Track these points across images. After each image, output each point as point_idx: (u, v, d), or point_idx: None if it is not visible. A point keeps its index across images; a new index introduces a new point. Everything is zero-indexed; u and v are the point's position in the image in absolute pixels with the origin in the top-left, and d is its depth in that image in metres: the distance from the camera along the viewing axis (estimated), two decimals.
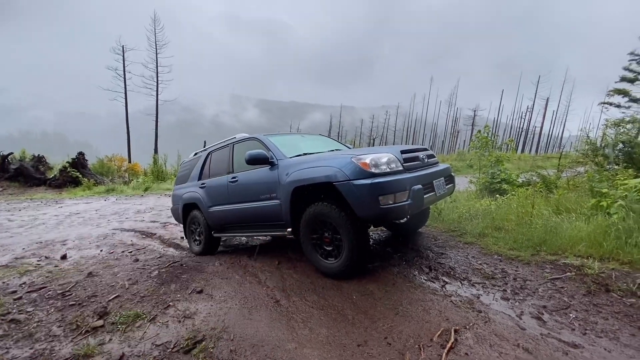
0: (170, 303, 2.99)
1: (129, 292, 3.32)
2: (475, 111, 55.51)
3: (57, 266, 4.39)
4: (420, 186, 2.86)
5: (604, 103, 25.93)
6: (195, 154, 5.48)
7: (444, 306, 2.54)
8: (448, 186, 3.50)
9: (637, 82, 25.48)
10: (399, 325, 2.29)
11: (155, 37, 30.25)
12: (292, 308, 2.70)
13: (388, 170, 2.86)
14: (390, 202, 2.73)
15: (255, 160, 3.55)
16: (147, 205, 10.94)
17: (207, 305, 2.91)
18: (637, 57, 24.35)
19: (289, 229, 3.43)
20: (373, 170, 2.80)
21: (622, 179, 4.44)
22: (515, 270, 3.13)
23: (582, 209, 4.08)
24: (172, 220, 7.65)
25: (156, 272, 3.87)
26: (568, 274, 2.93)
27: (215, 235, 4.65)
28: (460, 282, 2.99)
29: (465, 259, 3.47)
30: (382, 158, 2.90)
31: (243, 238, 5.76)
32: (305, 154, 3.72)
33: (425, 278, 3.07)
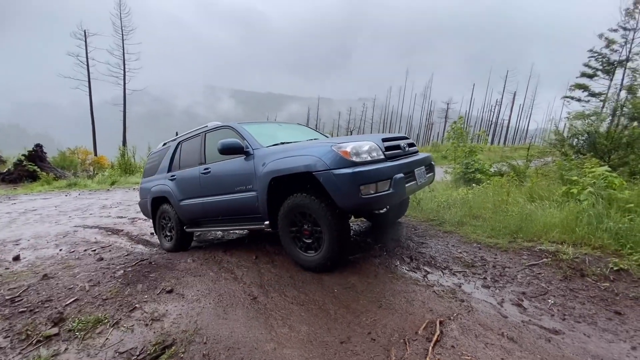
0: (137, 305, 2.75)
1: (90, 294, 3.03)
2: (448, 104, 57.07)
3: (7, 269, 3.98)
4: (402, 175, 2.77)
5: (567, 97, 27.36)
6: (164, 144, 5.13)
7: (427, 297, 2.49)
8: (428, 175, 3.45)
9: (596, 78, 27.06)
10: (383, 318, 2.20)
11: (121, 22, 28.43)
12: (270, 305, 2.55)
13: (369, 159, 2.75)
14: (372, 192, 2.63)
15: (228, 150, 3.32)
16: (114, 199, 10.31)
17: (177, 306, 2.69)
18: (596, 54, 25.78)
19: (267, 222, 3.26)
20: (354, 159, 2.68)
21: (589, 167, 4.61)
22: (494, 258, 3.14)
23: (554, 196, 4.20)
24: (142, 215, 7.22)
25: (121, 271, 3.58)
26: (544, 259, 2.97)
27: (187, 230, 4.39)
28: (442, 272, 2.96)
29: (446, 247, 3.45)
30: (364, 146, 2.77)
31: (218, 232, 5.51)
32: (282, 143, 3.54)
33: (407, 268, 3.02)
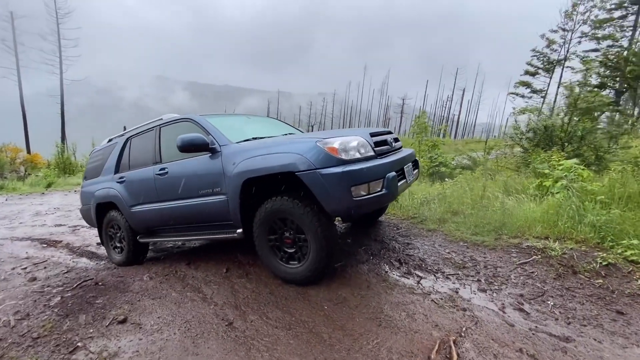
0: (79, 343, 2.19)
1: (16, 332, 2.40)
2: (403, 100, 59.07)
3: None
4: (394, 173, 2.50)
5: (512, 93, 29.43)
6: (110, 140, 4.40)
7: (427, 308, 2.25)
8: (415, 171, 3.24)
9: (538, 75, 29.40)
10: (386, 340, 1.92)
11: (55, 3, 25.17)
12: (250, 332, 2.15)
13: (359, 156, 2.43)
14: (364, 193, 2.32)
15: (190, 147, 2.82)
16: (51, 205, 9.02)
17: (134, 340, 2.19)
18: (538, 54, 27.93)
19: (239, 230, 2.82)
20: (342, 156, 2.35)
21: (557, 159, 4.74)
22: (484, 257, 3.01)
23: (528, 189, 4.23)
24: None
25: (59, 297, 2.93)
26: (534, 257, 2.90)
27: (141, 240, 3.77)
28: (434, 275, 2.76)
29: (433, 247, 3.28)
30: (352, 142, 2.45)
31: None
32: (254, 138, 3.10)
33: (399, 274, 2.78)
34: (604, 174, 4.71)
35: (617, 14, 22.30)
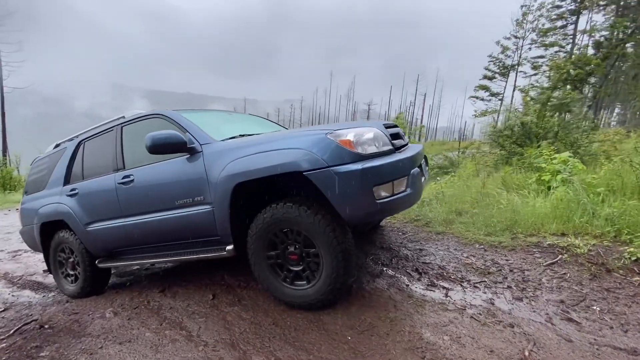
0: None
1: None
2: (369, 105, 60.36)
3: None
4: (418, 169, 2.13)
5: (472, 97, 30.96)
6: (57, 145, 3.65)
7: (470, 328, 1.88)
8: (427, 168, 2.90)
9: (495, 79, 31.17)
10: None
11: None
12: None
13: (376, 150, 2.03)
14: (388, 194, 1.93)
15: (163, 147, 2.28)
16: None
17: None
18: (494, 59, 29.62)
19: (230, 247, 2.30)
20: (359, 150, 1.94)
21: (548, 153, 4.68)
22: (507, 260, 2.73)
23: (529, 185, 4.09)
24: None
25: None
26: (561, 256, 2.66)
27: (101, 266, 3.09)
28: (461, 285, 2.42)
29: (448, 252, 2.95)
30: (368, 134, 2.05)
31: None
32: (241, 135, 2.61)
33: (422, 287, 2.40)
34: (593, 166, 4.73)
35: (559, 23, 24.42)
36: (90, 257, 3.12)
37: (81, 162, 3.21)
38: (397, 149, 2.24)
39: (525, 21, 24.94)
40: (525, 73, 26.96)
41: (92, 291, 3.20)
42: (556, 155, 4.38)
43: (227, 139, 2.45)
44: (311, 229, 1.99)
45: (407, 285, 2.40)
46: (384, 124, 2.34)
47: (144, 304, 2.66)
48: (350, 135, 1.96)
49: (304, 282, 2.15)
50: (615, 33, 18.06)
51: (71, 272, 3.37)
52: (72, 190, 3.15)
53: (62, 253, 3.42)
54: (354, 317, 2.02)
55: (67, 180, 3.29)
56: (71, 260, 3.33)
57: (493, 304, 2.16)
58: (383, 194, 1.90)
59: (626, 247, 2.63)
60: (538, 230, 3.12)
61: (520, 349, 1.68)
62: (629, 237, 2.79)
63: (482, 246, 3.00)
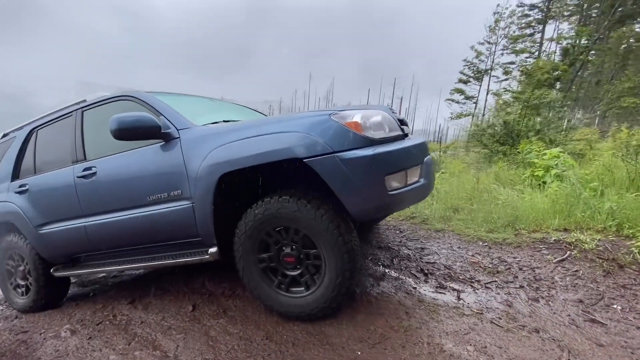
0: None
1: None
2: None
3: None
4: (431, 157, 1.90)
5: (448, 99, 31.79)
6: (5, 135, 3.14)
7: (494, 335, 1.66)
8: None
9: (469, 83, 32.17)
10: None
11: None
12: None
13: (385, 135, 1.78)
14: (400, 185, 1.68)
15: (132, 132, 1.91)
16: None
17: None
18: (468, 64, 30.56)
19: (213, 250, 1.97)
20: (368, 134, 1.68)
21: (537, 149, 4.65)
22: (514, 258, 2.57)
23: (523, 180, 4.00)
24: None
25: None
26: (569, 253, 2.52)
27: (57, 274, 2.63)
28: (471, 286, 2.21)
29: (452, 251, 2.75)
30: (375, 116, 1.79)
31: None
32: (225, 121, 2.28)
33: (431, 289, 2.17)
34: (579, 162, 4.75)
35: (528, 31, 25.70)
36: (44, 264, 2.67)
37: (33, 153, 2.75)
38: (406, 135, 2.00)
39: (497, 28, 25.86)
40: (497, 77, 27.98)
41: (47, 304, 2.74)
42: (546, 151, 4.35)
43: (209, 124, 2.11)
44: (312, 226, 1.71)
45: (415, 288, 2.16)
46: (390, 109, 2.10)
47: (109, 318, 2.26)
48: (357, 117, 1.70)
49: (302, 288, 1.85)
50: (579, 41, 19.14)
51: (21, 283, 2.88)
52: (21, 186, 2.68)
53: (10, 260, 2.92)
54: (361, 328, 1.75)
55: (15, 175, 2.81)
56: (21, 268, 2.85)
57: (510, 306, 1.97)
58: (395, 184, 1.65)
59: (632, 242, 2.54)
60: (540, 226, 2.99)
61: (555, 358, 1.47)
62: (630, 231, 2.71)
63: (485, 244, 2.82)
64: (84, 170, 2.30)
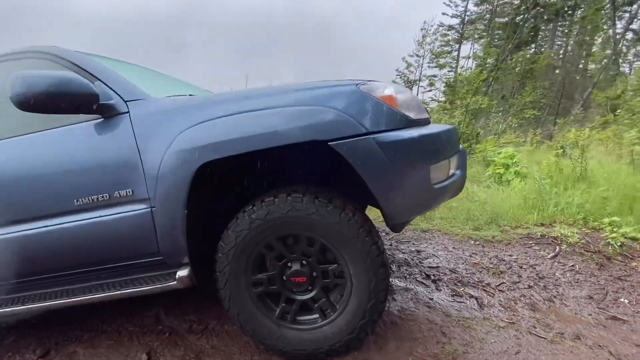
0: None
1: None
2: None
3: None
4: (463, 147, 1.63)
5: None
6: None
7: (547, 350, 1.45)
8: None
9: None
10: None
11: None
12: None
13: (420, 117, 1.44)
14: (443, 177, 1.36)
15: (50, 101, 1.24)
16: None
17: None
18: (401, 74, 32.74)
19: (183, 273, 1.38)
20: (407, 113, 1.32)
21: (492, 149, 4.88)
22: (510, 256, 2.47)
23: (486, 178, 4.10)
24: None
25: None
26: (559, 248, 2.51)
27: None
28: (485, 291, 2.02)
29: (448, 252, 2.55)
30: (406, 92, 1.45)
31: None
32: (190, 95, 1.70)
33: (448, 298, 1.89)
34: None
35: (447, 48, 28.86)
36: None
37: None
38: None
39: (424, 42, 28.28)
40: (424, 88, 30.60)
41: None
42: (501, 150, 4.56)
43: (174, 97, 1.53)
44: (335, 233, 1.27)
45: (432, 299, 1.87)
46: None
47: None
48: (389, 89, 1.32)
49: (316, 316, 1.40)
50: (488, 60, 22.03)
51: None
52: None
53: None
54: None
55: None
56: None
57: (534, 310, 1.80)
58: (440, 176, 1.33)
59: (604, 234, 2.64)
60: (519, 221, 3.01)
61: None
62: (595, 223, 2.85)
63: (477, 242, 2.70)
64: None
